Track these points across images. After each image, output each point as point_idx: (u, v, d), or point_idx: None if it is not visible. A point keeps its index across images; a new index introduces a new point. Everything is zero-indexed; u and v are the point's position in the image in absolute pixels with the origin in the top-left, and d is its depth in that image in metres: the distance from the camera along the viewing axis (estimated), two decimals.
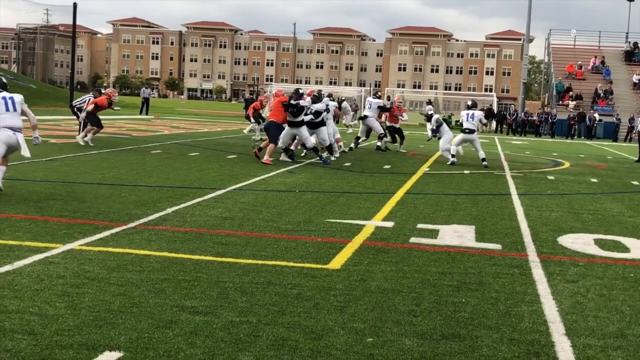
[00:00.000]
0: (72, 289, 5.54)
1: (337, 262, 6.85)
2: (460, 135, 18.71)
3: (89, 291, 5.50)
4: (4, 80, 11.13)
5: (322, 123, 17.50)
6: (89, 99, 20.66)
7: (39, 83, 71.01)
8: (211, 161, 16.45)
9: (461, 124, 18.65)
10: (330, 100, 20.21)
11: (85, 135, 19.25)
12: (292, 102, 16.65)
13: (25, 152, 10.45)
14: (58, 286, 5.59)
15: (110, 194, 10.59)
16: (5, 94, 10.62)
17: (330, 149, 17.98)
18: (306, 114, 16.82)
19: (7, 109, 10.47)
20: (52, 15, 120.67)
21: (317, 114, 17.12)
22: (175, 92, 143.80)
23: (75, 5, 54.29)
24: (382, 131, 22.20)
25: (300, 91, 17.48)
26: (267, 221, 8.92)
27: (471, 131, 18.49)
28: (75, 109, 20.95)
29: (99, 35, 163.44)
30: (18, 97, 10.63)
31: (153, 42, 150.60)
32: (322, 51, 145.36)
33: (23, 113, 10.54)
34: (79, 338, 4.48)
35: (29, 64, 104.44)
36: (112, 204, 9.60)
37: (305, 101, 17.09)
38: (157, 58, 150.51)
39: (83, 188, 11.12)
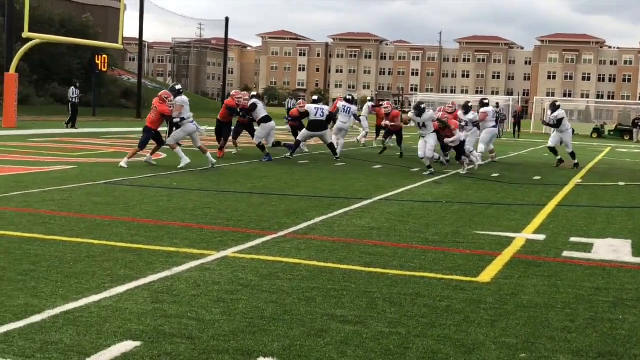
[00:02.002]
0: (227, 295, 5.73)
1: (486, 275, 6.75)
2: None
3: (243, 298, 5.67)
4: (179, 86, 16.54)
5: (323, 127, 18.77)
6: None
7: (192, 95, 73.85)
8: (357, 171, 16.58)
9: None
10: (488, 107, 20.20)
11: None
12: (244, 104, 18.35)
13: (197, 138, 16.45)
14: (214, 292, 5.79)
15: (260, 203, 10.88)
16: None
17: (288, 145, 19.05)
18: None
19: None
20: (204, 30, 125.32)
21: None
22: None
23: (227, 19, 56.25)
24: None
25: (253, 93, 19.15)
26: (414, 232, 8.91)
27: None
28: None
29: (248, 48, 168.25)
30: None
31: (300, 54, 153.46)
32: (468, 60, 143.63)
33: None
34: (234, 343, 4.62)
35: (183, 77, 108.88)
36: (263, 213, 9.85)
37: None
38: (304, 70, 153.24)
39: (235, 197, 11.47)
